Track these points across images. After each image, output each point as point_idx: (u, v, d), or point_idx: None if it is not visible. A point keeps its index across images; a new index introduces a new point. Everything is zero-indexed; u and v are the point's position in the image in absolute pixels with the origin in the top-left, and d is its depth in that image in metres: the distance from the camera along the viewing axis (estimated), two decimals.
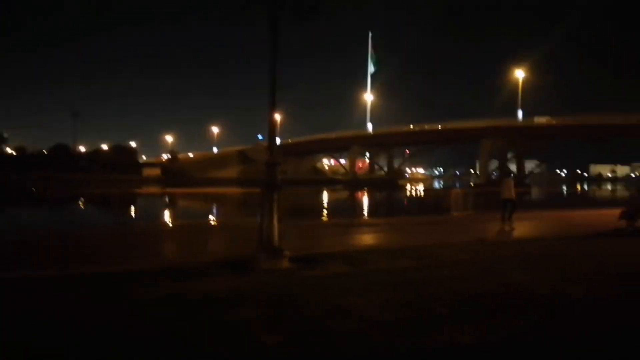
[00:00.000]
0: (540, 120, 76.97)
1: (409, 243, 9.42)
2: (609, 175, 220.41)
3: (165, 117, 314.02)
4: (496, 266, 7.21)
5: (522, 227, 12.97)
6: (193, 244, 10.22)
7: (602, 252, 8.96)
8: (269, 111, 7.46)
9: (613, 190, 52.02)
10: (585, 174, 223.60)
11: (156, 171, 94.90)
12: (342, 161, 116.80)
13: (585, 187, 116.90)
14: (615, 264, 7.70)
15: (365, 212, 16.52)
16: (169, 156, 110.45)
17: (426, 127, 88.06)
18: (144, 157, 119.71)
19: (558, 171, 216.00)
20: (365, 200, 24.39)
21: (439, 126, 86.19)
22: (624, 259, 8.28)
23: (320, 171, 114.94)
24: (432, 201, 20.39)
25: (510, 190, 14.43)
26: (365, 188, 71.07)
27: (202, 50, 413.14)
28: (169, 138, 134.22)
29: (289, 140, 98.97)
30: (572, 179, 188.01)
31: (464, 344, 3.83)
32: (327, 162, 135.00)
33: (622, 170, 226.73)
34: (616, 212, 16.97)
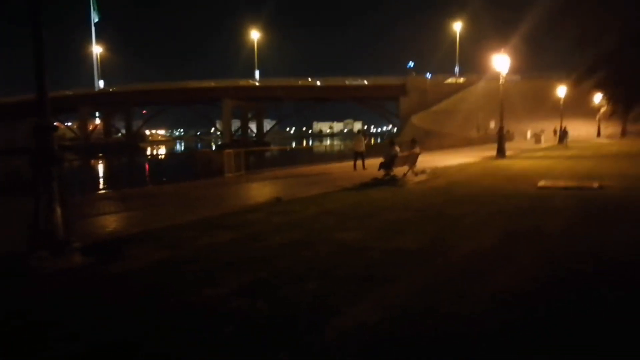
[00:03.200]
0: (274, 81, 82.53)
1: (209, 212, 8.59)
2: (328, 131, 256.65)
3: None
4: (317, 227, 7.14)
5: (309, 183, 13.44)
6: None
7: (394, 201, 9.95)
8: (35, 57, 5.40)
9: (332, 145, 60.79)
10: (310, 131, 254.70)
11: None
12: (69, 124, 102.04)
13: (310, 142, 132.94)
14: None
15: (132, 180, 14.82)
16: None
17: (167, 85, 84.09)
18: None
19: (288, 129, 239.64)
20: (115, 168, 21.81)
21: (181, 85, 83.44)
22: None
23: None
24: (199, 164, 19.45)
25: (361, 144, 17.80)
26: (103, 153, 64.20)
27: None
28: None
29: None
30: (299, 136, 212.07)
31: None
32: None
33: (337, 126, 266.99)
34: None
